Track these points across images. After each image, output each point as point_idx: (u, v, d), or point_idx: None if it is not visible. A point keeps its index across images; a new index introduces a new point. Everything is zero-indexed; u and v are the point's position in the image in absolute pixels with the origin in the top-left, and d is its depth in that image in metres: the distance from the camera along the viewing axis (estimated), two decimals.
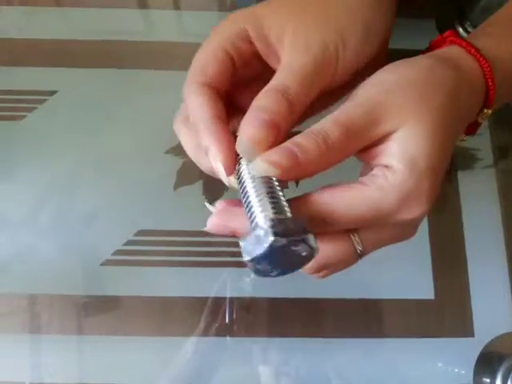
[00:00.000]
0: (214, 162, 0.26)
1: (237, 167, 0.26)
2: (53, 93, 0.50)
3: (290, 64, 0.28)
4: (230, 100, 0.31)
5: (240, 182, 0.26)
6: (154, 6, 0.55)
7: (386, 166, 0.25)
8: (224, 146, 0.26)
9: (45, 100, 0.50)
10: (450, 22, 0.54)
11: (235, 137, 0.27)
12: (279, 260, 0.23)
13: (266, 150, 0.26)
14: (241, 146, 0.26)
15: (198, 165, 0.30)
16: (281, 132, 0.26)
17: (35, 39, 0.52)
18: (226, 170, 0.26)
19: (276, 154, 0.25)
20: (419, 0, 0.54)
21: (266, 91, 0.27)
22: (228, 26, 0.29)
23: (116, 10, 0.54)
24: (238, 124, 0.29)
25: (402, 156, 0.25)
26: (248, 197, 0.25)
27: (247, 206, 0.24)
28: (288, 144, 0.25)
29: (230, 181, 0.27)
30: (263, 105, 0.26)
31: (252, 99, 0.27)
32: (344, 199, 0.25)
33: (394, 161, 0.25)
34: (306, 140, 0.25)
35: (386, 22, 0.31)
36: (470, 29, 0.53)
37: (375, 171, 0.26)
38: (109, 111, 0.50)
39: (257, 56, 0.30)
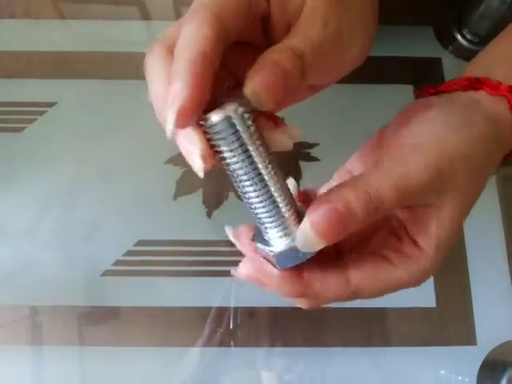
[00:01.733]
0: (172, 100, 0.21)
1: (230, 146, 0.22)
2: (53, 104, 0.50)
3: (309, 34, 0.25)
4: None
5: (242, 167, 0.23)
6: (156, 18, 0.55)
7: (419, 247, 0.25)
8: (197, 88, 0.21)
9: (45, 111, 0.50)
10: (448, 28, 0.54)
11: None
12: None
13: (277, 107, 0.24)
14: (250, 89, 0.22)
15: (159, 116, 0.24)
16: (288, 94, 0.23)
17: (36, 51, 0.53)
18: (182, 113, 0.21)
19: (325, 221, 0.23)
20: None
21: (282, 48, 0.24)
22: None
23: (117, 22, 0.54)
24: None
25: (437, 241, 0.25)
26: (268, 195, 0.23)
27: (267, 205, 0.23)
28: (339, 206, 0.23)
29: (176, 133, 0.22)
30: (278, 60, 0.23)
31: (240, 59, 0.25)
32: (374, 281, 0.25)
33: (426, 243, 0.25)
34: (358, 205, 0.23)
35: (375, 25, 0.31)
36: (468, 36, 0.53)
37: (407, 250, 0.26)
38: (108, 122, 0.50)
39: (266, 16, 0.27)
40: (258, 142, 0.22)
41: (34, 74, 0.52)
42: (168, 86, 0.22)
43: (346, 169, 0.31)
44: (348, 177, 0.30)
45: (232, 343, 0.43)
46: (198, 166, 0.22)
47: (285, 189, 0.23)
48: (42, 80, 0.51)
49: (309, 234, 0.23)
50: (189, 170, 0.47)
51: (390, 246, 0.26)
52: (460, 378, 0.43)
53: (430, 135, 0.26)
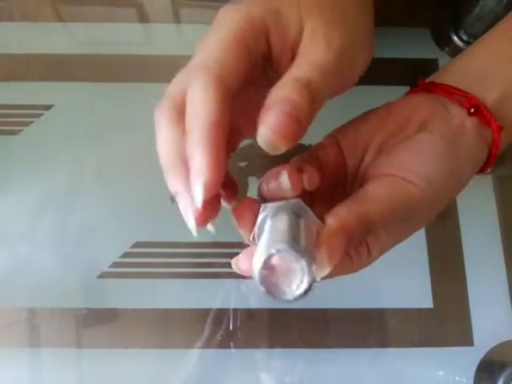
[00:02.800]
0: (195, 182, 0.23)
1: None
2: (49, 107, 0.50)
3: (313, 58, 0.25)
4: None
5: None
6: (154, 20, 0.55)
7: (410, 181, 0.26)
8: (215, 167, 0.22)
9: (41, 114, 0.50)
10: (444, 30, 0.54)
11: None
12: None
13: (290, 145, 0.24)
14: (262, 138, 0.23)
15: (169, 176, 0.25)
16: (301, 127, 0.24)
17: (33, 54, 0.53)
18: (206, 194, 0.23)
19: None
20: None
21: (287, 82, 0.25)
22: (254, 17, 0.25)
23: (115, 24, 0.54)
24: None
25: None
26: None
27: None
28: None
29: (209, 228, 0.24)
30: (286, 96, 0.24)
31: (239, 105, 0.25)
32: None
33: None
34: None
35: (373, 30, 0.31)
36: (464, 37, 0.53)
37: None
38: (106, 125, 0.50)
39: (266, 57, 0.27)
40: None
41: (31, 76, 0.52)
42: (175, 146, 0.24)
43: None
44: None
45: (231, 345, 0.43)
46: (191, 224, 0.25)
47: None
48: (39, 83, 0.51)
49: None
50: None
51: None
52: (457, 378, 0.43)
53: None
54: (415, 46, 0.53)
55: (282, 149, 0.24)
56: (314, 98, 0.24)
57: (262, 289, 0.20)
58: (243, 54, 0.25)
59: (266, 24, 0.26)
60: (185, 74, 0.25)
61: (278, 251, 0.19)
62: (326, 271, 0.23)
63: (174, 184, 0.25)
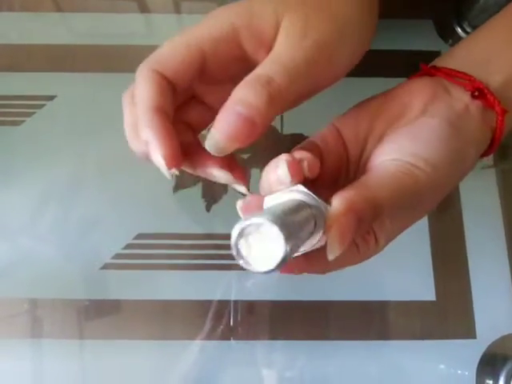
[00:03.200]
0: (154, 155, 0.26)
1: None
2: (52, 98, 0.50)
3: (279, 54, 0.26)
4: (197, 94, 0.30)
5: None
6: (155, 10, 0.55)
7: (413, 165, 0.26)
8: (165, 141, 0.26)
9: (44, 105, 0.50)
10: (448, 22, 0.54)
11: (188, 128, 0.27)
12: None
13: (239, 146, 0.25)
14: (211, 141, 0.25)
15: (132, 147, 0.29)
16: (256, 128, 0.25)
17: (35, 44, 0.52)
18: (166, 163, 0.26)
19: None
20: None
21: (247, 81, 0.25)
22: (217, 23, 0.27)
23: (116, 15, 0.54)
24: (199, 118, 0.28)
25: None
26: None
27: None
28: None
29: (171, 172, 0.27)
30: (241, 96, 0.25)
31: (223, 98, 0.26)
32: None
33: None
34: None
35: (374, 24, 0.31)
36: (468, 29, 0.52)
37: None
38: (108, 116, 0.49)
39: (239, 58, 0.28)
40: None
41: (32, 67, 0.51)
42: (134, 123, 0.28)
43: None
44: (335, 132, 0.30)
45: (232, 337, 0.43)
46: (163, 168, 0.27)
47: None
48: (41, 73, 0.51)
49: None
50: None
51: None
52: (459, 371, 0.43)
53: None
54: (418, 38, 0.53)
55: (230, 150, 0.25)
56: (273, 97, 0.25)
57: (238, 259, 0.20)
58: (191, 54, 0.27)
59: (235, 29, 0.27)
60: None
61: (253, 222, 0.19)
62: (337, 253, 0.23)
63: (137, 146, 0.29)
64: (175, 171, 0.27)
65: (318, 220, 0.23)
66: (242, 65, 0.29)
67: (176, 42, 0.27)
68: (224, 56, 0.28)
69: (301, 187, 0.24)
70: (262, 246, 0.19)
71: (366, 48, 0.30)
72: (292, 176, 0.24)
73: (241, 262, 0.20)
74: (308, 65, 0.26)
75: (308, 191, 0.24)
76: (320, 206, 0.24)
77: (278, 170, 0.24)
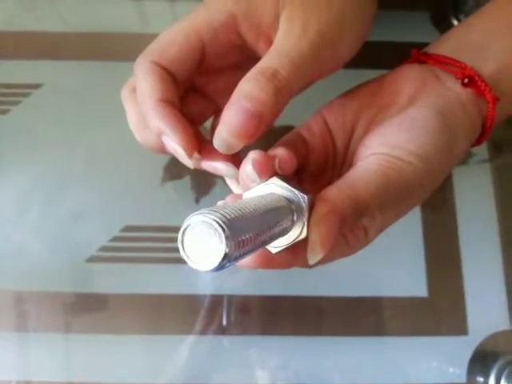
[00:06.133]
0: (172, 145, 0.26)
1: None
2: (38, 86, 0.49)
3: (284, 47, 0.26)
4: (197, 85, 0.30)
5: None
6: None
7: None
8: (180, 130, 0.26)
9: (30, 93, 0.49)
10: (444, 14, 0.53)
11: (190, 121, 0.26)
12: None
13: (247, 143, 0.24)
14: (218, 139, 0.25)
15: (140, 140, 0.29)
16: (263, 123, 0.24)
17: (21, 31, 0.51)
18: (187, 152, 0.26)
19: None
20: None
21: (252, 75, 0.25)
22: (214, 10, 0.27)
23: (106, 2, 0.53)
24: (199, 110, 0.28)
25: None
26: None
27: None
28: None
29: (192, 159, 0.27)
30: (247, 91, 0.24)
31: (223, 88, 0.26)
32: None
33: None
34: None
35: (373, 10, 0.30)
36: None
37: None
38: (95, 105, 0.49)
39: (238, 46, 0.28)
40: None
41: (18, 54, 0.50)
42: (139, 118, 0.29)
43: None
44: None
45: (224, 331, 0.42)
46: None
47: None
48: (28, 61, 0.50)
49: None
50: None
51: None
52: (450, 368, 0.42)
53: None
54: (414, 29, 0.52)
55: (239, 147, 0.25)
56: (280, 90, 0.25)
57: (183, 255, 0.20)
58: (190, 43, 0.27)
59: (233, 16, 0.26)
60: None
61: (195, 220, 0.19)
62: (319, 256, 0.22)
63: (146, 138, 0.29)
64: (197, 156, 0.27)
65: (298, 213, 0.23)
66: (241, 54, 0.29)
67: (174, 31, 0.27)
68: (223, 45, 0.27)
69: (277, 180, 0.24)
70: (205, 244, 0.19)
71: (366, 35, 0.30)
72: (258, 174, 0.23)
73: (185, 259, 0.20)
74: (313, 55, 0.26)
75: (285, 184, 0.23)
76: (299, 199, 0.23)
77: (246, 167, 0.24)
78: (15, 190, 0.46)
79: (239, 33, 0.27)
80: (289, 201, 0.23)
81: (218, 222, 0.18)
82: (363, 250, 0.29)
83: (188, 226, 0.19)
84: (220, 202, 0.25)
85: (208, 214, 0.18)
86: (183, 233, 0.19)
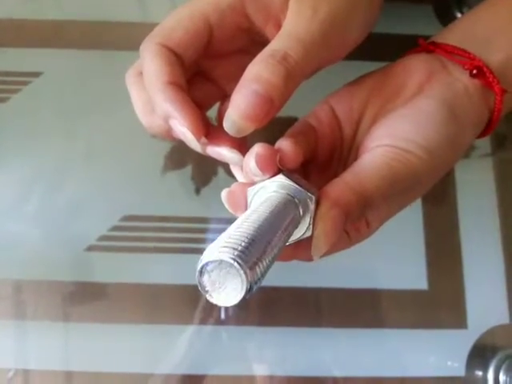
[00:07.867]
0: (180, 129, 0.25)
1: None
2: (38, 74, 0.49)
3: (294, 30, 0.25)
4: (203, 70, 0.30)
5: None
6: None
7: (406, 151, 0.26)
8: (188, 113, 0.25)
9: (29, 82, 0.48)
10: (447, 7, 0.52)
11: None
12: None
13: (257, 126, 0.24)
14: (229, 121, 0.24)
15: (146, 124, 0.29)
16: (274, 106, 0.24)
17: (21, 19, 0.51)
18: (195, 135, 0.25)
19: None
20: None
21: (263, 57, 0.24)
22: None
23: None
24: (205, 96, 0.27)
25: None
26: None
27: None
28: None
29: (201, 142, 0.26)
30: (257, 74, 0.24)
31: (230, 73, 0.25)
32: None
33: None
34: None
35: (380, 2, 0.30)
36: None
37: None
38: (95, 94, 0.48)
39: (246, 29, 0.27)
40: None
41: (18, 42, 0.50)
42: (145, 102, 0.28)
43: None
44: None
45: (222, 322, 0.42)
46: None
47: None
48: (27, 49, 0.49)
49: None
50: (177, 145, 0.46)
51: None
52: (449, 361, 0.42)
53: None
54: (417, 22, 0.52)
55: (249, 130, 0.24)
56: (290, 74, 0.24)
57: (204, 293, 0.19)
58: (197, 26, 0.26)
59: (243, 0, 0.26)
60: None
61: (211, 259, 0.18)
62: (323, 251, 0.22)
63: (152, 122, 0.28)
64: (205, 141, 0.26)
65: (305, 210, 0.23)
66: (249, 37, 0.28)
67: (181, 13, 0.27)
68: (230, 27, 0.27)
69: (283, 178, 0.23)
70: (225, 281, 0.19)
71: (374, 23, 0.29)
72: (262, 170, 0.23)
73: (207, 296, 0.19)
74: (324, 37, 0.25)
75: (291, 182, 0.23)
76: (306, 199, 0.23)
77: (249, 163, 0.24)
78: (14, 178, 0.46)
79: (247, 15, 0.27)
80: (294, 199, 0.23)
81: (235, 260, 0.18)
82: (363, 242, 0.29)
83: (205, 265, 0.19)
84: (224, 193, 0.25)
85: (224, 251, 0.18)
86: (201, 273, 0.19)
